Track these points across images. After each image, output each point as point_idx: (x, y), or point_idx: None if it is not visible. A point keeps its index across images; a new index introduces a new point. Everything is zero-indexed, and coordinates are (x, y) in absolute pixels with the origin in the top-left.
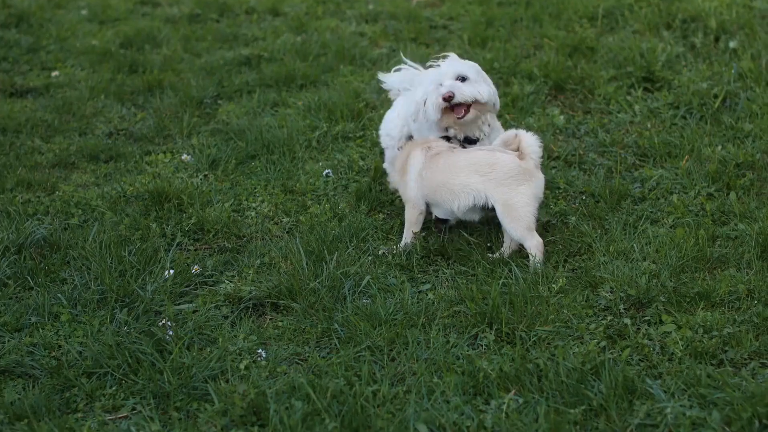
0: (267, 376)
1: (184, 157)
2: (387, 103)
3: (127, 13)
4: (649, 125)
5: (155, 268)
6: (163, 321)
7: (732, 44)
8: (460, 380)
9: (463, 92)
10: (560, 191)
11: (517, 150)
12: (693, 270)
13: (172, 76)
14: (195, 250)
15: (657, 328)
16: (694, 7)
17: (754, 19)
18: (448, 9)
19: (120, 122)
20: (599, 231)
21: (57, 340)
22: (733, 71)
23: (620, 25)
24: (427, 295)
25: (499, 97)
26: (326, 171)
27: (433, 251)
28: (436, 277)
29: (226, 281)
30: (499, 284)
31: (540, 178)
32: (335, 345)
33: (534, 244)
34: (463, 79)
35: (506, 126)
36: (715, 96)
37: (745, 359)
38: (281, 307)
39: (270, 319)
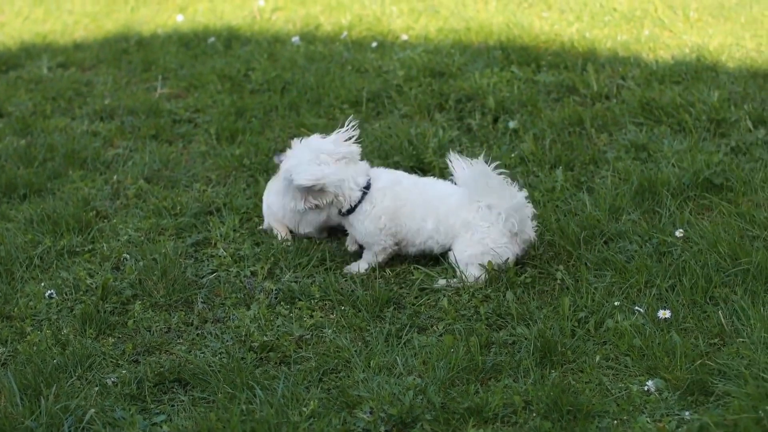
0: None
1: None
2: (121, 210)
3: None
4: None
5: None
6: None
7: (512, 124)
8: None
9: None
10: (316, 301)
11: None
12: (464, 382)
13: None
14: None
15: None
16: (471, 85)
17: (538, 95)
18: (194, 100)
19: None
20: (359, 344)
21: None
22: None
23: (387, 109)
24: (161, 427)
25: (247, 198)
26: (49, 292)
27: (169, 378)
28: (172, 406)
29: None
30: (239, 410)
31: None
32: None
33: None
34: None
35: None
36: None
37: None
38: None
39: None
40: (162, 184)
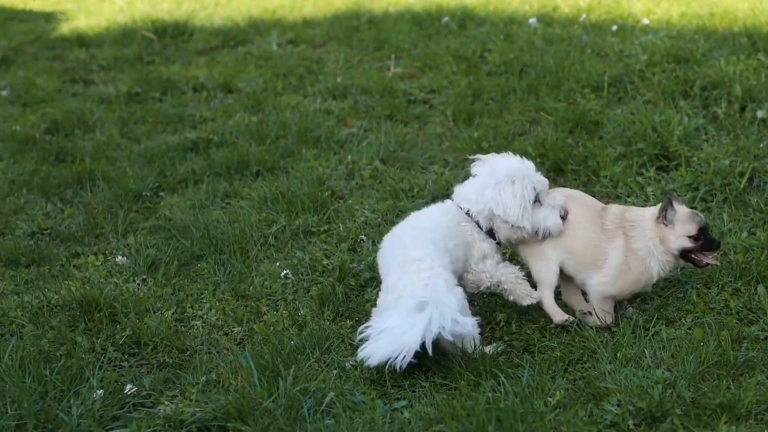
0: None
1: (119, 259)
2: (356, 191)
3: (55, 93)
4: None
5: (82, 388)
6: None
7: (760, 113)
8: None
9: None
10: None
11: None
12: (715, 377)
13: (105, 165)
14: (130, 366)
15: None
16: (716, 72)
17: None
18: (429, 81)
19: (44, 220)
20: (605, 335)
21: None
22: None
23: (630, 94)
24: (401, 413)
25: None
26: (284, 272)
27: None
28: (413, 392)
29: (166, 402)
30: (485, 399)
31: None
32: None
33: None
34: None
35: None
36: (741, 174)
37: None
38: (230, 431)
39: None
40: (398, 165)
